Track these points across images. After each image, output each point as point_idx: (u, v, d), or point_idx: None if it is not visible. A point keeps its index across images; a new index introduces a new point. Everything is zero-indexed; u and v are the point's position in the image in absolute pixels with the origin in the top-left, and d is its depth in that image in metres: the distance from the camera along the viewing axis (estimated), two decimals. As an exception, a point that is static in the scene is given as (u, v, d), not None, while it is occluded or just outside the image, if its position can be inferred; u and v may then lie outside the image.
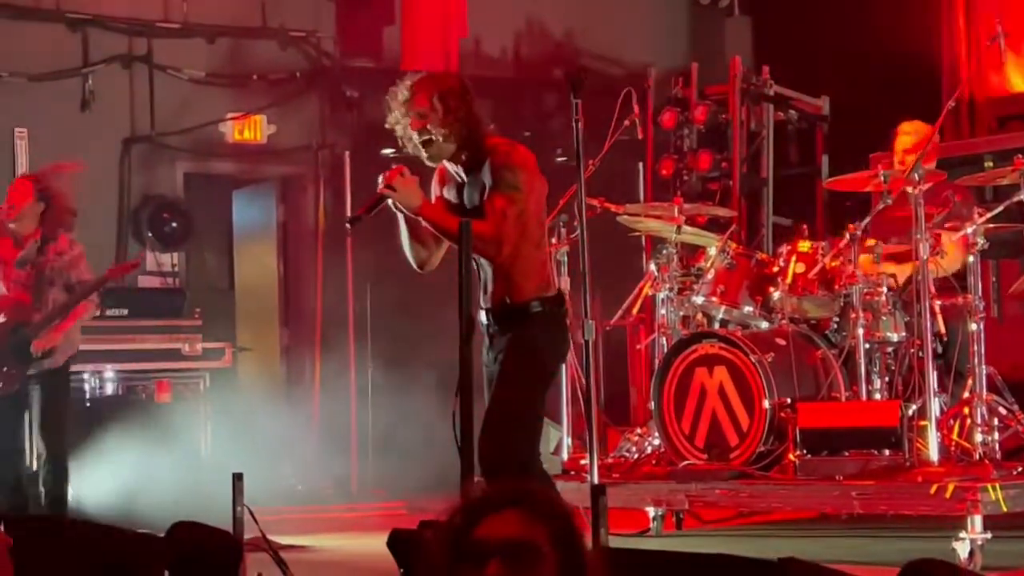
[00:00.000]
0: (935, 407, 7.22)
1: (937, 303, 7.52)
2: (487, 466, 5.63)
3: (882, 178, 7.62)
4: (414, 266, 6.05)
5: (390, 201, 5.79)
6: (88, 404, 9.99)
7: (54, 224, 8.78)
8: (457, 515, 2.71)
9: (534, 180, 5.85)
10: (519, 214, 5.75)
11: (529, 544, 2.67)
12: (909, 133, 8.24)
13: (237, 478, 5.57)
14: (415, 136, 5.86)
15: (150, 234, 11.95)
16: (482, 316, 5.89)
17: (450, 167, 5.97)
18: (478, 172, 5.85)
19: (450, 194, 5.99)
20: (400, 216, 5.90)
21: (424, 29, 12.09)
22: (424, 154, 5.91)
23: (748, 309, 8.20)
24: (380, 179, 5.80)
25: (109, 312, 10.53)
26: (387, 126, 5.94)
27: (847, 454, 7.44)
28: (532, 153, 5.91)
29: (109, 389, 10.16)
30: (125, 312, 10.66)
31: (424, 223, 5.83)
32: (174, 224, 12.03)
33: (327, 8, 12.73)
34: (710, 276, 8.22)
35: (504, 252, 5.75)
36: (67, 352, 8.70)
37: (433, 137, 5.84)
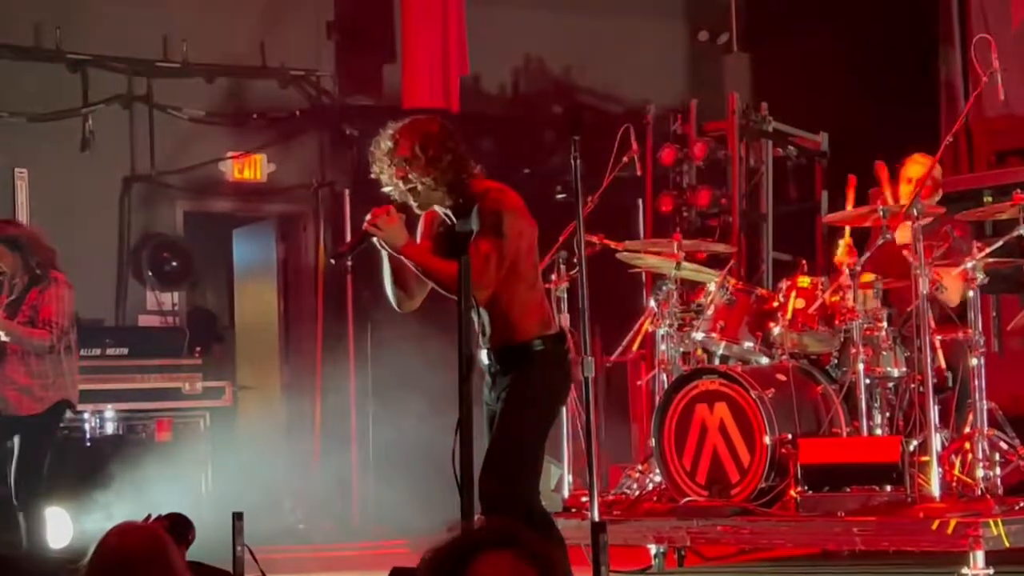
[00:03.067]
0: (936, 442, 7.20)
1: (937, 338, 7.52)
2: (488, 505, 5.62)
3: (881, 214, 7.63)
4: (395, 306, 6.04)
5: (376, 240, 5.78)
6: (88, 444, 9.97)
7: (39, 267, 8.66)
8: (447, 557, 2.69)
9: (522, 224, 5.82)
10: (502, 259, 5.72)
11: None
12: (919, 163, 8.24)
13: (237, 517, 5.56)
14: (400, 185, 5.83)
15: (150, 273, 11.97)
16: (483, 356, 5.88)
17: (439, 210, 5.96)
18: (468, 215, 5.84)
19: (439, 240, 5.97)
20: (384, 256, 5.88)
21: (424, 67, 12.14)
22: (412, 202, 5.89)
23: (748, 345, 8.20)
24: (367, 217, 5.79)
25: (109, 351, 10.53)
26: (372, 176, 5.92)
27: (848, 490, 7.42)
28: (521, 196, 5.89)
29: (109, 428, 10.14)
30: (125, 351, 10.67)
31: (407, 263, 5.82)
32: (174, 263, 12.04)
33: (327, 47, 12.77)
34: (710, 312, 8.22)
35: (484, 296, 5.72)
36: (46, 402, 8.61)
37: (418, 185, 5.82)
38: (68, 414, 8.93)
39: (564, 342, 5.99)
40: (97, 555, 3.65)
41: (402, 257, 5.80)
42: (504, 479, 5.71)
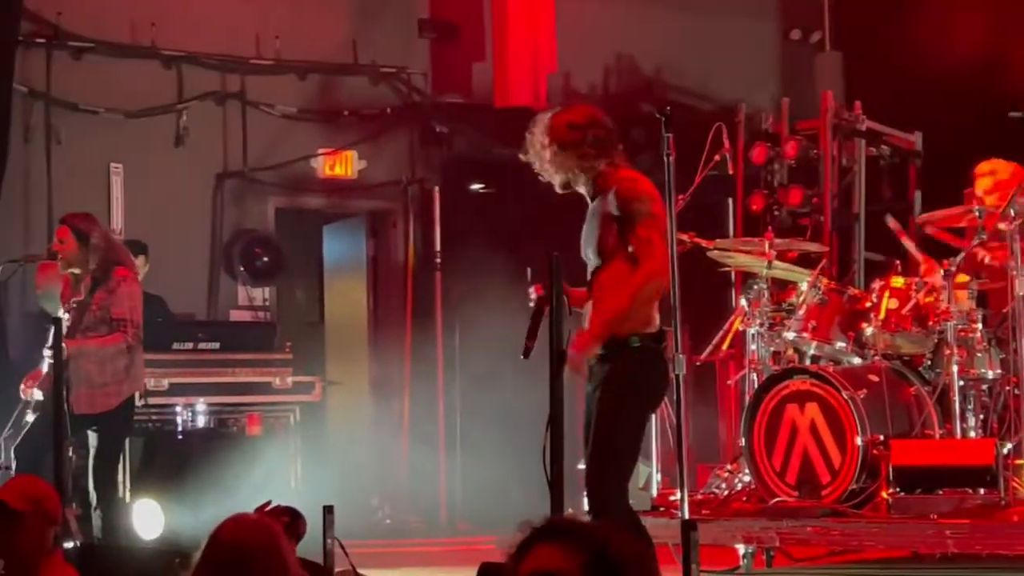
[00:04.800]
0: (1031, 446, 7.12)
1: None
2: (590, 499, 5.75)
3: (977, 214, 7.55)
4: None
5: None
6: (180, 437, 10.06)
7: (103, 263, 8.68)
8: (512, 551, 2.89)
9: (660, 210, 5.92)
10: (663, 237, 5.81)
11: (561, 574, 2.80)
12: (986, 174, 8.16)
13: (328, 511, 5.59)
14: (550, 170, 6.08)
15: (242, 268, 12.07)
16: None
17: (581, 190, 6.14)
18: (603, 198, 5.99)
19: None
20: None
21: (514, 65, 12.14)
22: (558, 186, 6.12)
23: (840, 345, 8.13)
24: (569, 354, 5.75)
25: (201, 345, 10.62)
26: (522, 158, 6.14)
27: (941, 492, 7.35)
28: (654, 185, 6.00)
29: (200, 422, 10.21)
30: (217, 346, 10.74)
31: (608, 333, 5.86)
32: (265, 258, 12.14)
33: (418, 44, 12.82)
34: (801, 312, 8.17)
35: (667, 277, 5.76)
36: (120, 397, 8.61)
37: (566, 171, 6.05)
38: (139, 403, 8.99)
39: (661, 342, 6.00)
40: (210, 547, 3.65)
41: (604, 338, 5.86)
42: (599, 476, 5.79)
